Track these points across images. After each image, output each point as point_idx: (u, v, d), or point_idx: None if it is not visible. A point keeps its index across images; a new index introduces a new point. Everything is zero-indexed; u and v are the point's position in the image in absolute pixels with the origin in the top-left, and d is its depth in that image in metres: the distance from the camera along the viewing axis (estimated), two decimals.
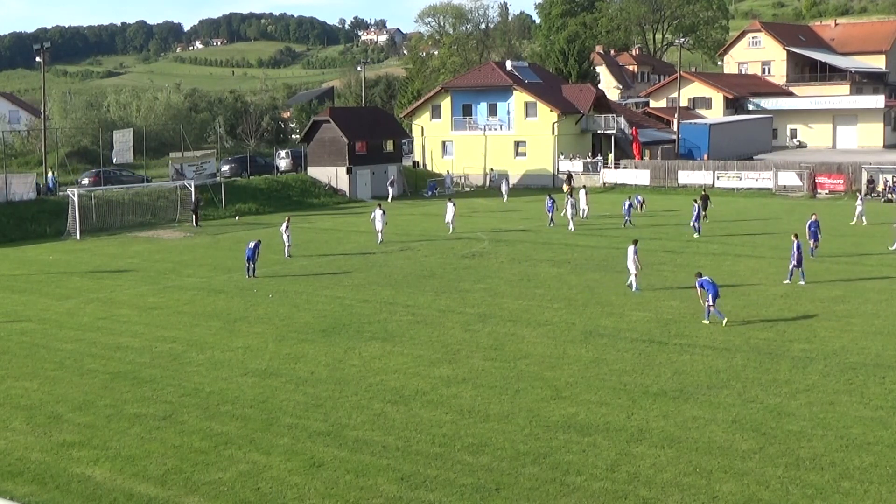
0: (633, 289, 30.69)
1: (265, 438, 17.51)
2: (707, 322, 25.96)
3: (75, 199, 48.49)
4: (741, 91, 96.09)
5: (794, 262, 31.38)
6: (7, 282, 35.51)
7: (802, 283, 31.26)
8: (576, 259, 35.86)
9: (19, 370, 22.70)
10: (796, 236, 31.58)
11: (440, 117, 77.32)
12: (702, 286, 26.22)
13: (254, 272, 34.51)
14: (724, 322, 25.73)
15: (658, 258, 37.10)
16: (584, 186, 58.04)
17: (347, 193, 65.31)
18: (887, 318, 26.12)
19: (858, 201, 47.73)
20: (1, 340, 25.76)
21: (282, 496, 14.96)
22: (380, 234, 42.57)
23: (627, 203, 47.95)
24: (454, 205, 46.23)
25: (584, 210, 50.36)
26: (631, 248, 30.73)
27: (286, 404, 19.51)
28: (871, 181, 60.08)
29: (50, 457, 16.85)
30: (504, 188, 62.06)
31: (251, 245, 34.49)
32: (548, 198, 49.31)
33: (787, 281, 31.70)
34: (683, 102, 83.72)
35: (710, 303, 25.90)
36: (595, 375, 21.11)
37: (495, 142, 74.17)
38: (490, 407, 19.06)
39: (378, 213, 42.96)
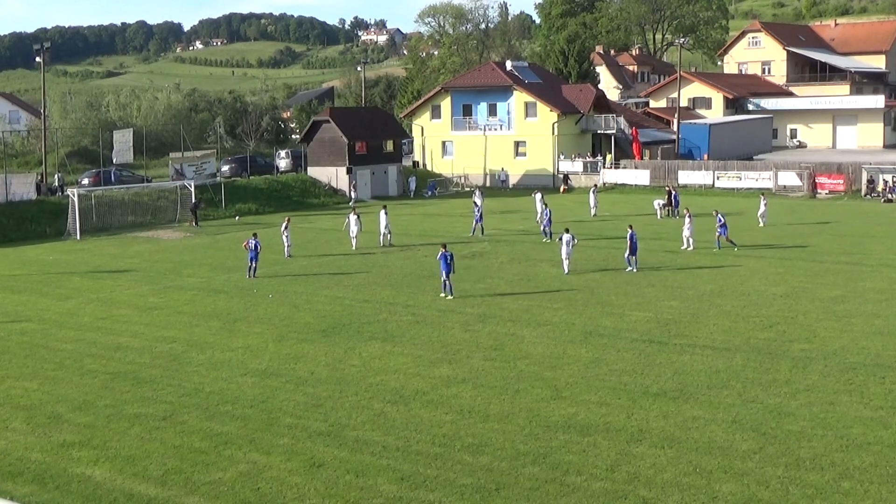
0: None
1: (265, 438, 17.50)
2: (443, 295, 29.80)
3: (75, 199, 48.51)
4: (741, 91, 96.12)
5: (627, 251, 34.36)
6: (7, 282, 35.52)
7: (633, 269, 34.04)
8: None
9: (19, 370, 22.70)
10: (630, 227, 34.61)
11: (440, 117, 77.36)
12: (439, 259, 29.77)
13: (254, 272, 34.49)
14: (450, 297, 29.47)
15: (658, 258, 37.12)
16: (595, 185, 58.82)
17: (347, 193, 65.31)
18: (887, 318, 26.12)
19: (762, 201, 47.58)
20: (1, 340, 25.76)
21: (282, 496, 14.96)
22: (354, 241, 41.15)
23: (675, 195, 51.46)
24: (358, 217, 41.74)
25: (592, 209, 52.03)
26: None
27: (286, 404, 19.51)
28: (871, 181, 60.10)
29: (50, 457, 16.85)
30: (478, 199, 52.06)
31: (252, 244, 34.37)
32: (475, 206, 46.80)
33: (632, 269, 34.08)
34: (683, 102, 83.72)
35: (444, 277, 29.71)
36: (595, 375, 21.11)
37: (495, 142, 74.21)
38: (490, 407, 19.06)
39: (352, 218, 41.42)
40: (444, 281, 30.01)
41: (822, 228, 45.52)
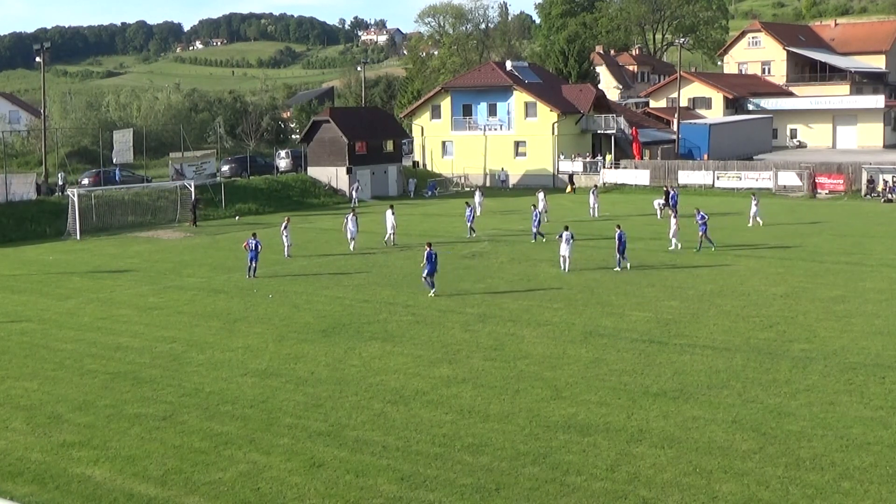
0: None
1: (265, 438, 17.51)
2: (432, 294, 30.21)
3: (75, 199, 48.51)
4: (741, 91, 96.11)
5: (619, 251, 34.60)
6: (7, 282, 35.52)
7: (627, 266, 34.41)
8: (576, 259, 35.86)
9: (19, 370, 22.70)
10: (618, 227, 35.06)
11: (440, 117, 77.35)
12: (426, 258, 30.53)
13: (254, 272, 34.50)
14: (432, 293, 30.17)
15: (658, 258, 37.13)
16: (596, 186, 58.88)
17: (347, 193, 65.30)
18: (887, 318, 26.12)
19: (753, 202, 47.64)
20: (1, 340, 25.75)
21: (282, 496, 14.96)
22: (351, 243, 40.79)
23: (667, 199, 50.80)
24: (356, 218, 41.31)
25: (593, 209, 51.82)
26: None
27: (286, 404, 19.51)
28: (871, 181, 60.10)
29: (50, 457, 16.85)
30: (478, 199, 53.59)
31: (252, 244, 34.34)
32: (466, 206, 45.83)
33: (618, 268, 34.40)
34: (683, 102, 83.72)
35: (424, 275, 30.48)
36: (595, 375, 21.11)
37: (495, 142, 74.21)
38: (490, 407, 19.06)
39: (350, 219, 41.06)
40: (427, 279, 30.56)
41: (822, 228, 45.53)
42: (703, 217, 38.77)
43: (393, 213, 42.59)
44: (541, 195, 51.17)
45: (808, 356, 22.30)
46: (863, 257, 36.75)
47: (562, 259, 34.62)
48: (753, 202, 47.37)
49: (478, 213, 52.58)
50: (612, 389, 20.02)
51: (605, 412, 18.54)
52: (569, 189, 68.66)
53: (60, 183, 58.37)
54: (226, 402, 19.71)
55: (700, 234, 38.69)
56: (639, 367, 21.64)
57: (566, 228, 34.99)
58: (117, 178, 59.17)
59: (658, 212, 51.35)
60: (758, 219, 46.46)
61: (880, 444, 16.50)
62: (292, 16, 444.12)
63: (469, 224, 44.75)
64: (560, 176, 71.98)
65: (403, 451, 16.68)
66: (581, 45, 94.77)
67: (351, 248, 40.82)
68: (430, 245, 31.16)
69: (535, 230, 42.40)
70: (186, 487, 15.37)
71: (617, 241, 34.49)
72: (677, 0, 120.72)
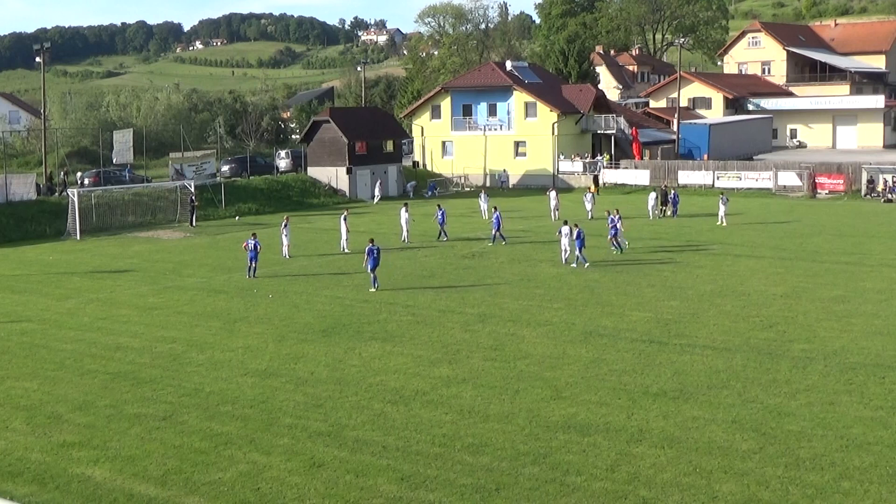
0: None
1: (265, 438, 17.50)
2: (372, 290, 31.18)
3: (75, 199, 48.50)
4: (741, 91, 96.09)
5: (577, 248, 35.16)
6: (7, 282, 35.52)
7: (585, 265, 34.82)
8: (575, 259, 35.87)
9: (19, 370, 22.70)
10: (576, 225, 35.59)
11: (440, 117, 77.36)
12: (367, 253, 31.48)
13: (254, 272, 34.50)
14: (375, 289, 31.15)
15: (657, 257, 37.14)
16: (590, 188, 58.85)
17: (347, 193, 65.32)
18: (887, 318, 26.12)
19: (721, 201, 47.62)
20: (1, 340, 25.75)
21: (282, 496, 14.96)
22: (344, 243, 40.68)
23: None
24: (345, 221, 41.14)
25: (590, 210, 51.21)
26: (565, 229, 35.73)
27: (286, 404, 19.51)
28: (871, 181, 60.11)
29: (50, 457, 16.85)
30: (483, 204, 52.97)
31: (251, 245, 34.35)
32: (438, 209, 44.81)
33: (574, 265, 35.09)
34: (683, 102, 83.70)
35: (369, 269, 31.35)
36: (595, 375, 21.11)
37: (495, 142, 74.20)
38: (490, 407, 19.05)
39: (343, 219, 41.03)
40: (372, 274, 31.58)
41: (822, 228, 45.53)
42: (613, 221, 38.48)
43: (407, 212, 42.79)
44: (552, 193, 51.41)
45: (808, 356, 22.30)
46: (863, 257, 36.76)
47: (562, 252, 35.61)
48: (721, 202, 47.41)
49: (484, 218, 52.52)
50: (612, 389, 20.02)
51: (605, 412, 18.54)
52: (593, 189, 68.06)
53: (79, 182, 58.35)
54: (226, 402, 19.71)
55: (609, 236, 38.47)
56: (639, 367, 21.64)
57: (565, 223, 36.02)
58: (128, 178, 59.14)
59: (657, 210, 51.27)
60: (724, 219, 46.46)
61: (880, 444, 16.50)
62: (292, 16, 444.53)
63: (441, 227, 43.93)
64: (560, 176, 71.89)
65: (403, 451, 16.68)
66: (581, 45, 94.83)
67: (341, 248, 40.69)
68: (372, 241, 32.18)
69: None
70: (186, 487, 15.36)
71: (576, 239, 35.07)
72: (677, 0, 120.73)
